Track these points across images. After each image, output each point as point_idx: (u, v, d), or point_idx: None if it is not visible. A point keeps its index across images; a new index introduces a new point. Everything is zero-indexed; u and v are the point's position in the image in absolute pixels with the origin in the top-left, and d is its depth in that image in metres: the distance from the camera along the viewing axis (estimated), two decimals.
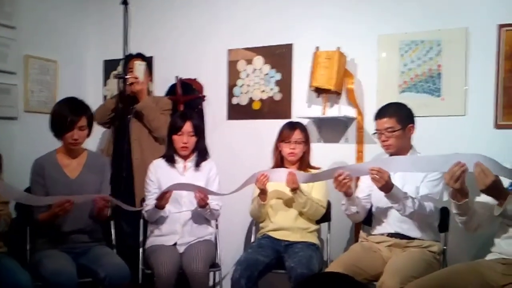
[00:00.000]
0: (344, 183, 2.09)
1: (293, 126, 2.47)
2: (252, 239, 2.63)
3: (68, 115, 2.22)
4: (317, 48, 2.67)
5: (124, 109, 2.68)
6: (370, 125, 2.60)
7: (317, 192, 2.44)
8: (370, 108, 2.60)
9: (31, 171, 2.32)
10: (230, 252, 2.77)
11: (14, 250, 2.23)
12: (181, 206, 2.47)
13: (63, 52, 3.32)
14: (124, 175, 2.65)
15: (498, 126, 2.41)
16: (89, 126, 2.32)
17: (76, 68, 3.43)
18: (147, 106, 2.77)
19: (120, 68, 3.01)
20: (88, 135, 2.36)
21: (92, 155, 2.46)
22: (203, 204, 2.36)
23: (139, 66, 2.76)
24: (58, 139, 2.31)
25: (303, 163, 2.48)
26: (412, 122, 2.23)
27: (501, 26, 2.38)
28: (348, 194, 2.20)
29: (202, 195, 2.33)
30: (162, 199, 2.33)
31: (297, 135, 2.43)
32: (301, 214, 2.43)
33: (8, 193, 2.09)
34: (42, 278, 2.04)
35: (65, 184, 2.28)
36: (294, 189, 2.32)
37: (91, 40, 3.52)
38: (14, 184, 2.22)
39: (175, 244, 2.42)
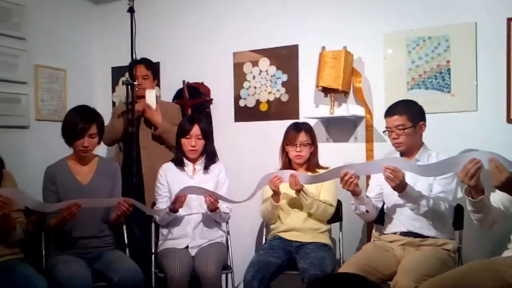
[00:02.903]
0: (350, 182, 2.09)
1: (298, 128, 2.46)
2: (263, 241, 2.63)
3: (79, 123, 2.24)
4: (323, 48, 2.66)
5: (133, 132, 2.63)
6: (379, 123, 2.58)
7: (325, 192, 2.43)
8: (379, 106, 2.60)
9: (44, 178, 2.35)
10: (241, 254, 2.77)
11: (30, 256, 2.26)
12: (191, 209, 2.48)
13: (72, 60, 3.36)
14: (134, 181, 2.66)
15: (510, 121, 2.37)
16: (100, 134, 2.34)
17: (84, 75, 3.47)
18: (167, 130, 2.75)
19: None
20: (99, 142, 2.38)
21: (103, 161, 2.48)
22: (213, 208, 2.37)
23: (149, 94, 2.75)
24: (69, 147, 2.34)
25: (311, 164, 2.47)
26: (423, 119, 2.21)
27: (510, 19, 2.34)
28: (356, 193, 2.18)
29: (212, 199, 2.34)
30: (177, 202, 2.35)
31: (302, 137, 2.42)
32: (310, 215, 2.42)
33: (24, 201, 2.12)
34: (57, 283, 2.07)
35: (77, 191, 2.31)
36: (298, 191, 2.32)
37: (99, 47, 3.55)
38: (27, 191, 2.25)
39: (186, 247, 2.43)
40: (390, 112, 2.21)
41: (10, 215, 2.06)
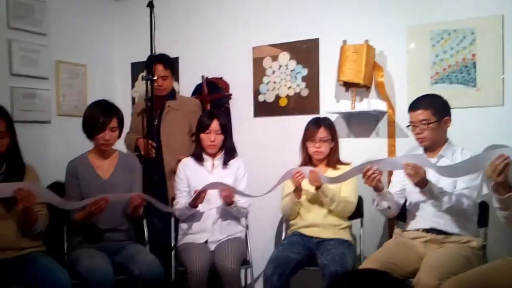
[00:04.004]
0: (373, 177, 2.06)
1: (317, 123, 2.43)
2: (283, 236, 2.62)
3: (100, 117, 2.27)
4: (344, 41, 2.62)
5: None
6: (401, 118, 2.54)
7: (346, 189, 2.40)
8: (401, 101, 2.55)
9: (66, 173, 2.38)
10: (260, 250, 2.76)
11: (52, 249, 2.29)
12: (210, 204, 2.48)
13: (92, 56, 3.39)
14: (156, 178, 2.67)
15: None
16: (120, 127, 2.37)
17: (104, 71, 3.50)
18: None
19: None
20: (119, 136, 2.40)
21: (123, 156, 2.51)
22: (229, 201, 2.37)
23: None
24: (91, 141, 2.36)
25: (331, 160, 2.45)
26: (448, 114, 2.16)
27: None
28: (379, 189, 2.16)
29: (228, 193, 2.33)
30: (198, 198, 2.35)
31: (321, 133, 2.39)
32: (331, 211, 2.40)
33: (45, 197, 2.15)
34: (79, 276, 2.09)
35: (98, 185, 2.33)
36: (318, 187, 2.30)
37: (118, 43, 3.57)
38: (48, 185, 2.29)
39: (206, 241, 2.44)
40: (414, 106, 2.17)
41: (32, 209, 2.09)
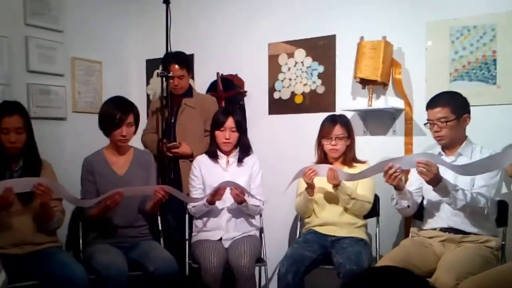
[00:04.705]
0: (395, 176, 2.03)
1: (334, 121, 2.41)
2: (297, 235, 2.60)
3: (116, 113, 2.28)
4: (362, 38, 2.59)
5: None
6: (419, 116, 2.51)
7: (362, 187, 2.37)
8: (419, 99, 2.52)
9: (82, 169, 2.40)
10: (274, 248, 2.75)
11: (68, 244, 2.31)
12: (225, 202, 2.48)
13: (107, 53, 3.39)
14: (172, 176, 2.66)
15: None
16: (136, 123, 2.38)
17: (119, 68, 3.50)
18: (201, 149, 2.69)
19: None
20: (135, 132, 2.41)
21: (138, 152, 2.52)
22: (239, 200, 2.37)
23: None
24: (107, 137, 2.37)
25: (347, 158, 2.42)
26: (468, 112, 2.12)
27: None
28: (399, 188, 2.13)
29: (238, 191, 2.33)
30: (215, 195, 2.35)
31: (337, 130, 2.37)
32: (346, 209, 2.37)
33: (62, 195, 2.17)
34: (95, 271, 2.11)
35: (114, 181, 2.34)
36: (336, 186, 2.28)
37: (134, 40, 3.58)
38: (65, 181, 2.30)
39: (220, 239, 2.44)
40: (433, 103, 2.13)
41: (49, 204, 2.11)
